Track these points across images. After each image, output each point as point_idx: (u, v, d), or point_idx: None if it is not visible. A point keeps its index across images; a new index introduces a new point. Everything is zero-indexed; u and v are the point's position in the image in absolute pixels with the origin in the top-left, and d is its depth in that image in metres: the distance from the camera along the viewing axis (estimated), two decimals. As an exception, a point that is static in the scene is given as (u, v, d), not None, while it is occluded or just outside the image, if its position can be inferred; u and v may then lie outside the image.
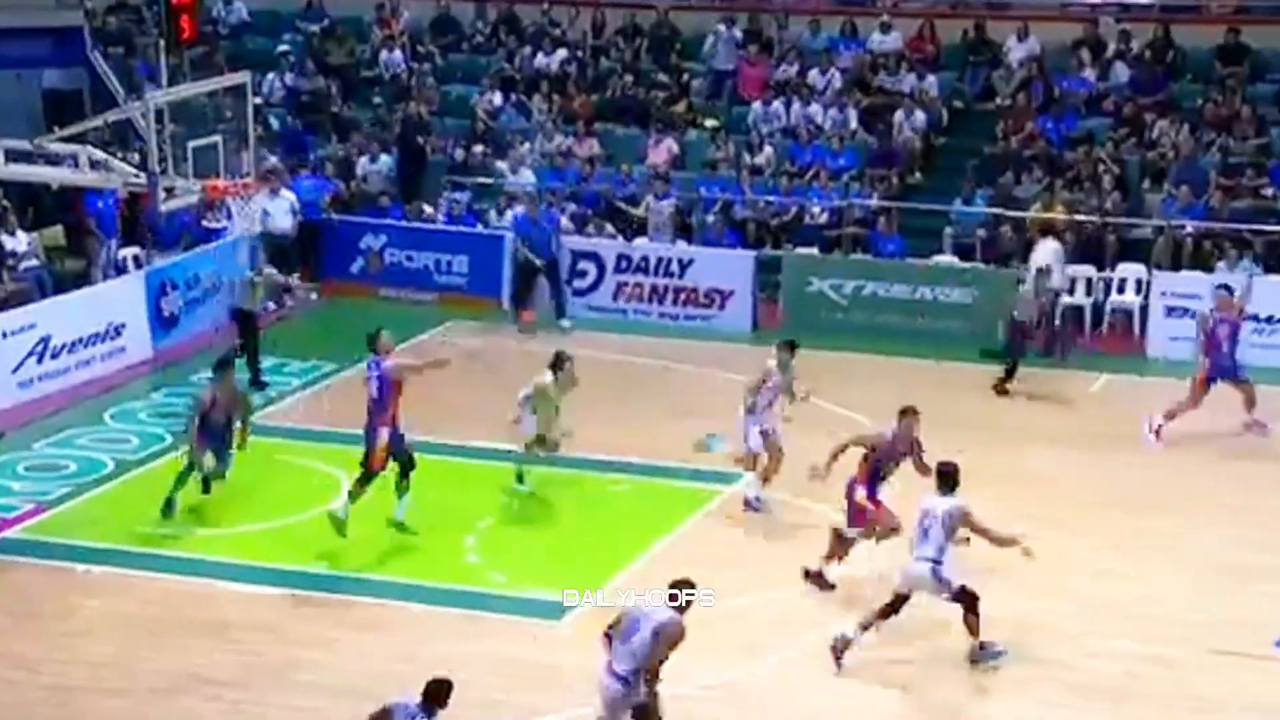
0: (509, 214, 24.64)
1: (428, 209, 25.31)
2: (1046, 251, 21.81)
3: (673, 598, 12.07)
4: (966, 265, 23.27)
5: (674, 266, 23.74)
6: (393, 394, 16.21)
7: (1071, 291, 22.88)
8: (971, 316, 22.44)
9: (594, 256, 24.12)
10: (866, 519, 15.42)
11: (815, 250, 24.12)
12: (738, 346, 22.37)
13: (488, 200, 25.45)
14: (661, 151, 25.79)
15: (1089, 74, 26.10)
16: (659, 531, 16.70)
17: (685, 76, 27.52)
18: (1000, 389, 20.74)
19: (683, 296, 23.69)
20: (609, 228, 24.74)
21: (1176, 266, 22.88)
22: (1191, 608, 15.13)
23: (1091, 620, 14.91)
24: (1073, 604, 15.16)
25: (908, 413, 15.69)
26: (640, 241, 24.34)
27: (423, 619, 14.98)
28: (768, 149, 25.78)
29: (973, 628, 13.89)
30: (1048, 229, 22.48)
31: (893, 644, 14.24)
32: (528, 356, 21.24)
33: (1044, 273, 21.27)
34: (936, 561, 13.75)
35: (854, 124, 26.02)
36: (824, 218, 24.55)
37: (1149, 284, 22.65)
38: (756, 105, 26.58)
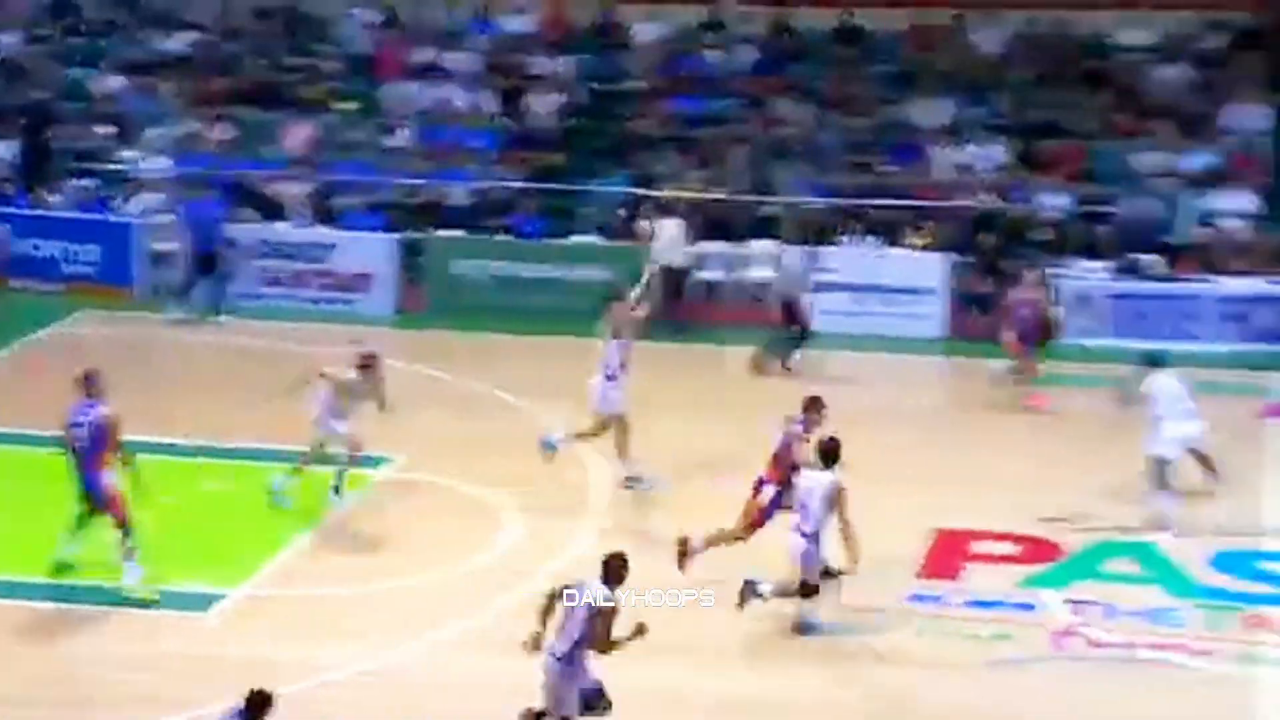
0: (137, 200, 23.83)
1: (51, 197, 24.31)
2: (668, 230, 22.07)
3: (605, 573, 11.70)
4: (607, 244, 23.40)
5: (315, 251, 23.29)
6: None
7: (707, 266, 23.35)
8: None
9: (232, 242, 23.50)
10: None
11: (458, 232, 23.96)
12: (381, 330, 22.11)
13: (117, 187, 24.57)
14: (299, 135, 25.26)
15: (715, 56, 26.58)
16: (309, 518, 16.35)
17: (320, 59, 27.02)
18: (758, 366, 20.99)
19: (325, 281, 23.24)
20: (247, 212, 24.16)
21: (805, 241, 23.48)
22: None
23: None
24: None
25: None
26: (280, 226, 23.80)
27: (70, 618, 14.35)
28: (406, 131, 25.53)
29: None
30: (668, 208, 22.80)
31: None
32: (178, 347, 20.75)
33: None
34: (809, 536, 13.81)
35: (491, 106, 25.96)
36: (465, 200, 24.43)
37: (780, 259, 23.15)
38: (394, 87, 26.27)
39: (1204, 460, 16.62)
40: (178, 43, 27.19)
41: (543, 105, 25.74)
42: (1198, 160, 23.96)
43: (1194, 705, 12.91)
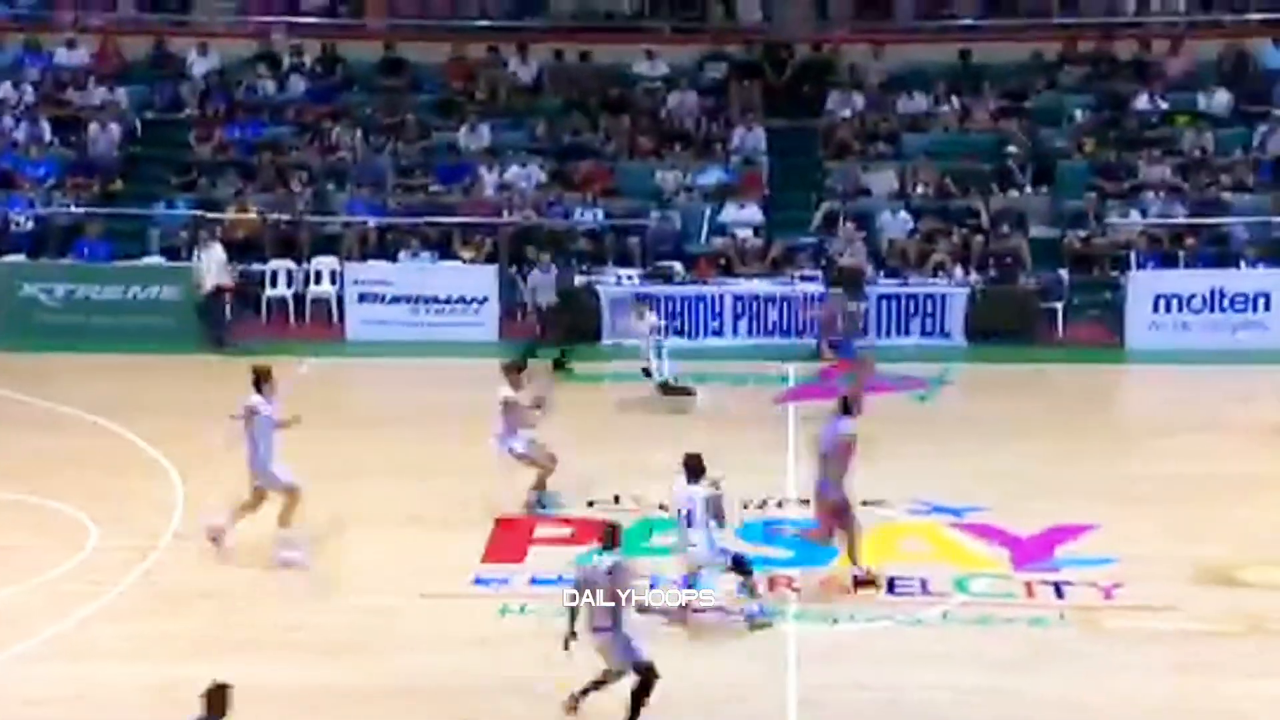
0: None
1: None
2: (215, 254, 21.80)
3: (603, 540, 12.40)
4: (174, 265, 22.71)
5: None
6: None
7: (274, 283, 23.00)
8: (180, 312, 22.01)
9: None
10: None
11: (23, 256, 22.87)
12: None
13: None
14: None
15: (269, 85, 26.18)
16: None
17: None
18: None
19: None
20: None
21: (365, 257, 23.42)
22: (396, 558, 15.42)
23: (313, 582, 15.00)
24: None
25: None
26: None
27: None
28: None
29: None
30: (212, 233, 22.42)
31: (140, 620, 13.79)
32: None
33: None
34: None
35: (48, 135, 24.86)
36: (30, 225, 23.30)
37: (342, 274, 23.00)
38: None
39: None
40: None
41: (102, 134, 24.78)
42: (710, 177, 24.98)
43: (733, 655, 13.45)
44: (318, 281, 23.27)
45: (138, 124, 25.60)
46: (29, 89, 25.65)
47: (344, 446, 18.23)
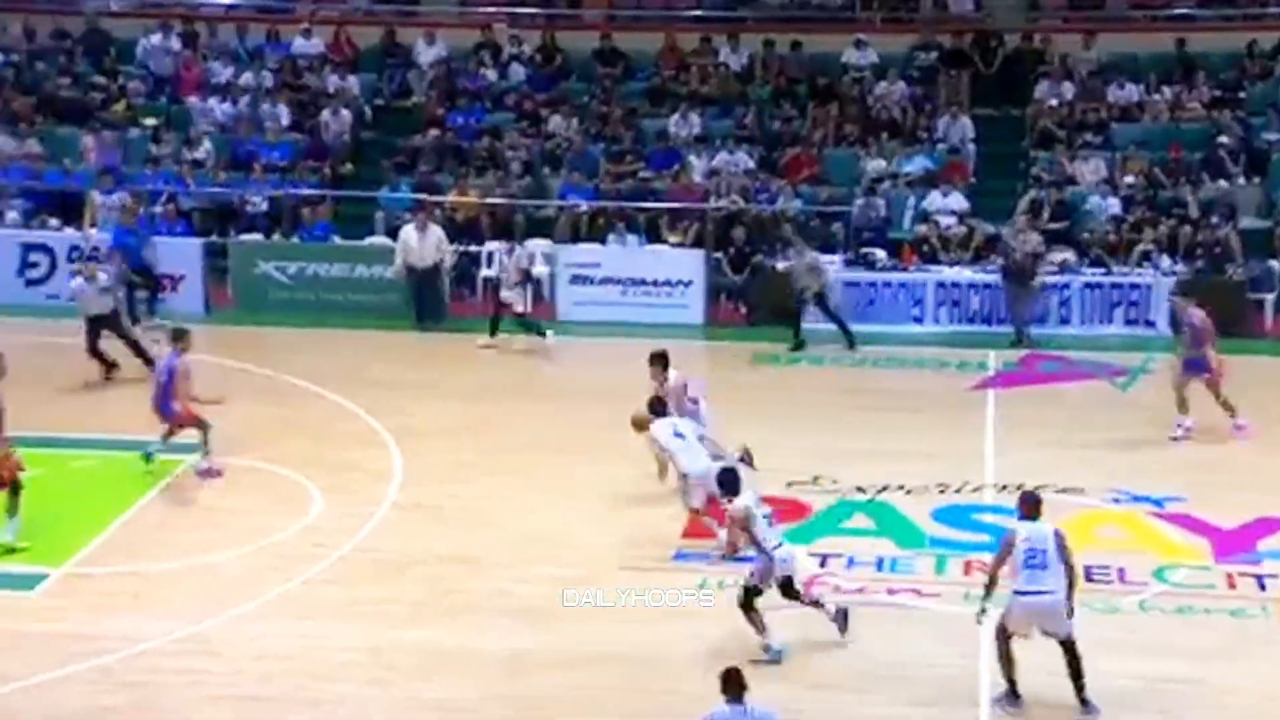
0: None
1: None
2: (435, 236, 22.11)
3: (722, 489, 13.25)
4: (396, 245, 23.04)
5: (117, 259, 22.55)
6: None
7: (490, 264, 23.24)
8: (401, 290, 22.33)
9: (46, 248, 22.69)
10: None
11: (259, 236, 23.49)
12: (191, 327, 21.56)
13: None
14: (105, 148, 24.50)
15: (490, 74, 26.47)
16: (127, 500, 15.87)
17: (121, 78, 26.22)
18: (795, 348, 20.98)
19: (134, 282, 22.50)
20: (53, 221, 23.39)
21: (576, 240, 23.57)
22: (599, 531, 15.53)
23: (522, 550, 15.15)
24: (506, 538, 15.32)
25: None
26: (93, 233, 22.99)
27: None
28: (207, 144, 24.92)
29: None
30: (442, 218, 22.72)
31: (359, 585, 14.11)
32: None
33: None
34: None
35: (285, 120, 25.50)
36: (264, 206, 23.95)
37: (554, 256, 23.13)
38: (194, 103, 25.67)
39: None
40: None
41: (334, 120, 25.35)
42: (915, 164, 24.58)
43: (926, 640, 13.24)
44: (531, 263, 23.46)
45: (367, 110, 26.10)
46: (268, 76, 26.33)
47: (552, 420, 18.45)
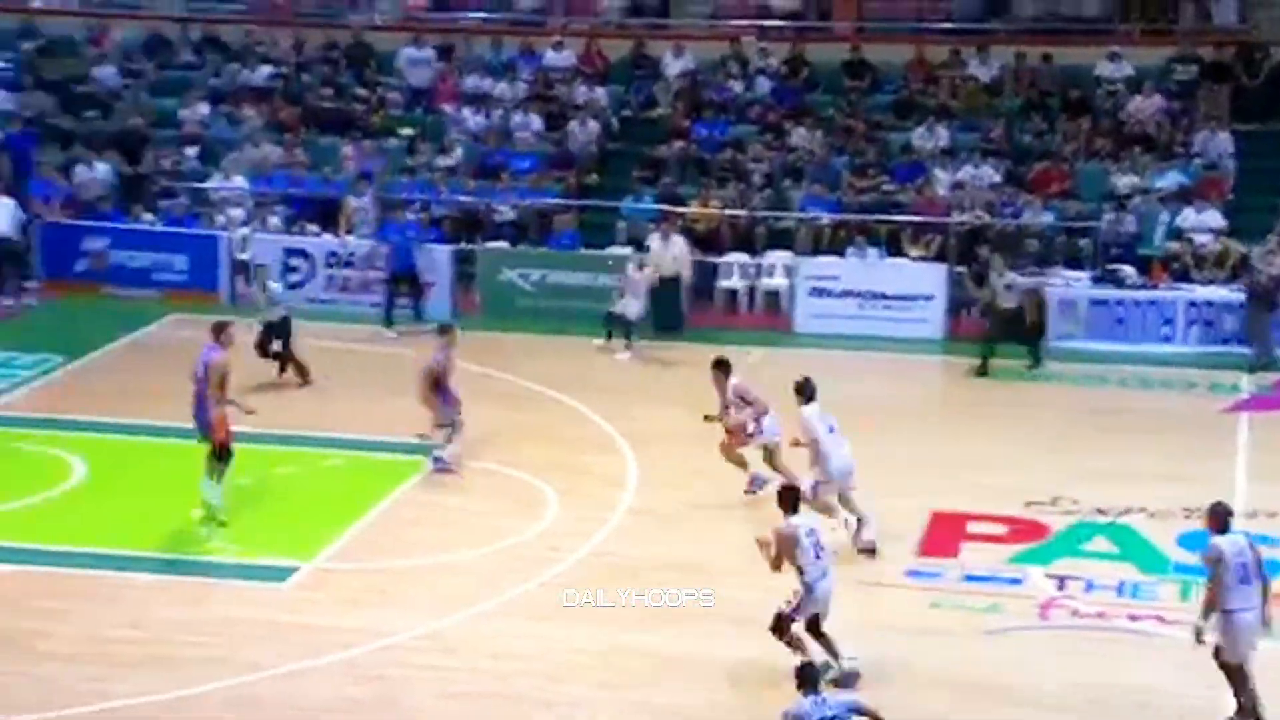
0: (222, 216, 23.94)
1: (145, 214, 24.47)
2: (678, 246, 22.25)
3: (780, 503, 12.87)
4: (638, 255, 23.19)
5: (378, 261, 23.33)
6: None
7: (729, 275, 23.37)
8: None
9: (305, 253, 23.59)
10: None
11: (505, 244, 24.00)
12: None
13: (205, 204, 24.70)
14: (364, 157, 25.34)
15: (736, 86, 26.57)
16: (372, 499, 16.41)
17: (381, 90, 27.09)
18: (981, 370, 20.72)
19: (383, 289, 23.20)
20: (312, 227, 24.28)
21: (816, 253, 23.50)
22: (831, 544, 15.37)
23: (751, 559, 15.16)
24: (733, 546, 15.32)
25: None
26: (349, 238, 23.81)
27: (152, 588, 14.45)
28: (458, 153, 25.59)
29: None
30: (683, 228, 22.82)
31: (594, 588, 14.33)
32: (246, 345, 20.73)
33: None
34: None
35: (534, 130, 26.02)
36: (511, 214, 24.46)
37: (794, 268, 23.11)
38: (449, 114, 26.37)
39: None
40: (257, 75, 27.27)
41: (581, 130, 25.78)
42: (1169, 180, 23.86)
43: (1169, 668, 12.86)
44: (770, 274, 23.49)
45: (614, 121, 26.45)
46: (522, 87, 26.88)
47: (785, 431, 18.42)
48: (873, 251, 23.13)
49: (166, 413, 17.36)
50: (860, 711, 10.61)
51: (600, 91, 26.65)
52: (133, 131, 25.76)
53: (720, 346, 21.64)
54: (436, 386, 16.84)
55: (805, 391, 15.24)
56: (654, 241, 22.48)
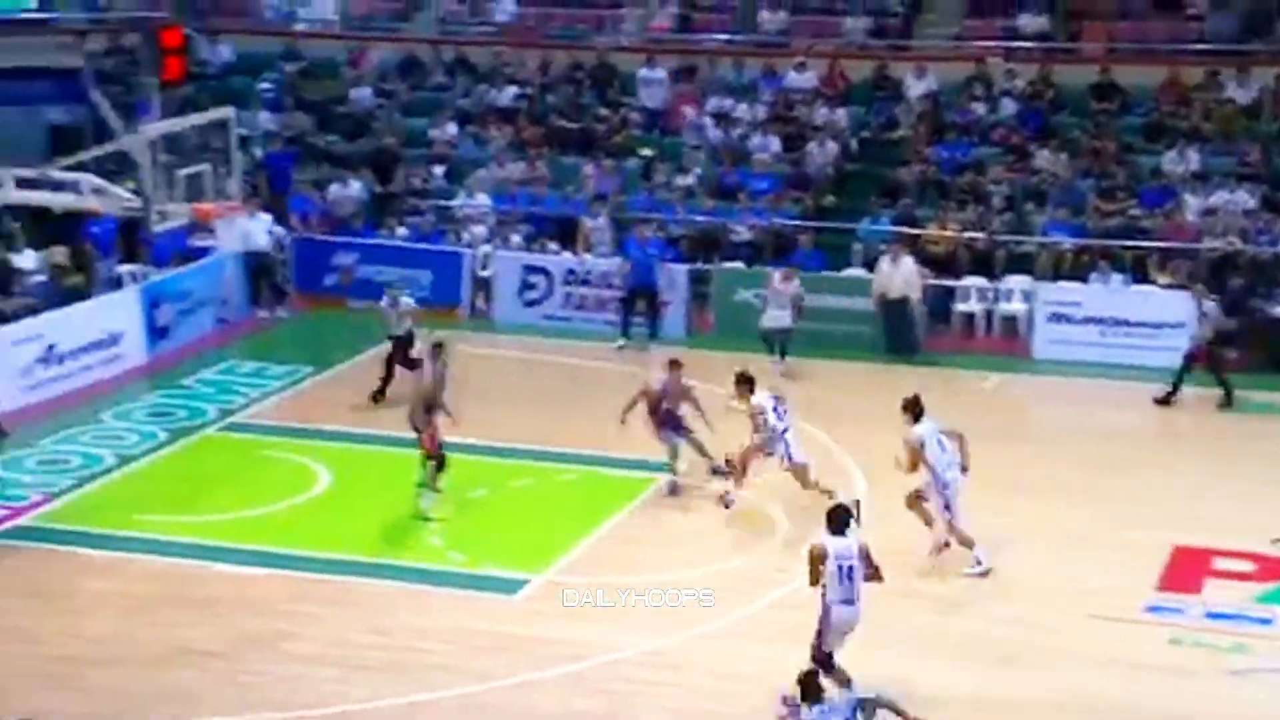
0: (467, 232, 24.55)
1: (396, 229, 25.25)
2: (907, 268, 21.99)
3: (829, 524, 12.75)
4: (871, 277, 23.02)
5: (614, 279, 23.64)
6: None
7: (966, 299, 23.07)
8: (877, 322, 22.39)
9: (544, 271, 24.03)
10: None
11: (741, 264, 24.08)
12: (674, 350, 22.43)
13: (449, 221, 25.38)
14: (604, 176, 25.73)
15: (979, 108, 26.23)
16: (603, 514, 16.65)
17: (623, 110, 27.46)
18: (1164, 400, 20.37)
19: (614, 306, 23.43)
20: (552, 245, 24.71)
21: (1057, 278, 23.04)
22: (1067, 576, 15.19)
23: (979, 590, 15.00)
24: (963, 578, 15.20)
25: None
26: (587, 256, 24.19)
27: (391, 595, 14.92)
28: (696, 172, 25.77)
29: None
30: (905, 248, 22.53)
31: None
32: (496, 360, 21.31)
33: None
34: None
35: (773, 151, 26.06)
36: (748, 234, 24.54)
37: (1033, 293, 22.69)
38: (688, 134, 26.56)
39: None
40: (504, 95, 27.90)
41: (820, 151, 25.75)
42: None
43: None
44: (1008, 299, 23.10)
45: (853, 142, 26.36)
46: (761, 109, 26.96)
47: (1024, 461, 18.13)
48: (1117, 278, 22.57)
49: (402, 424, 17.95)
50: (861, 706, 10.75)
51: (840, 113, 26.57)
52: (385, 150, 26.62)
53: (956, 371, 21.58)
54: (655, 410, 17.00)
55: (914, 410, 15.22)
56: (883, 263, 22.34)
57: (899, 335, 22.21)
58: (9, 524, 16.39)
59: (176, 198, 21.00)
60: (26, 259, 22.37)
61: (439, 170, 26.45)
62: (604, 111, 27.40)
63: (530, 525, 16.50)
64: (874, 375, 21.36)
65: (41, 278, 22.38)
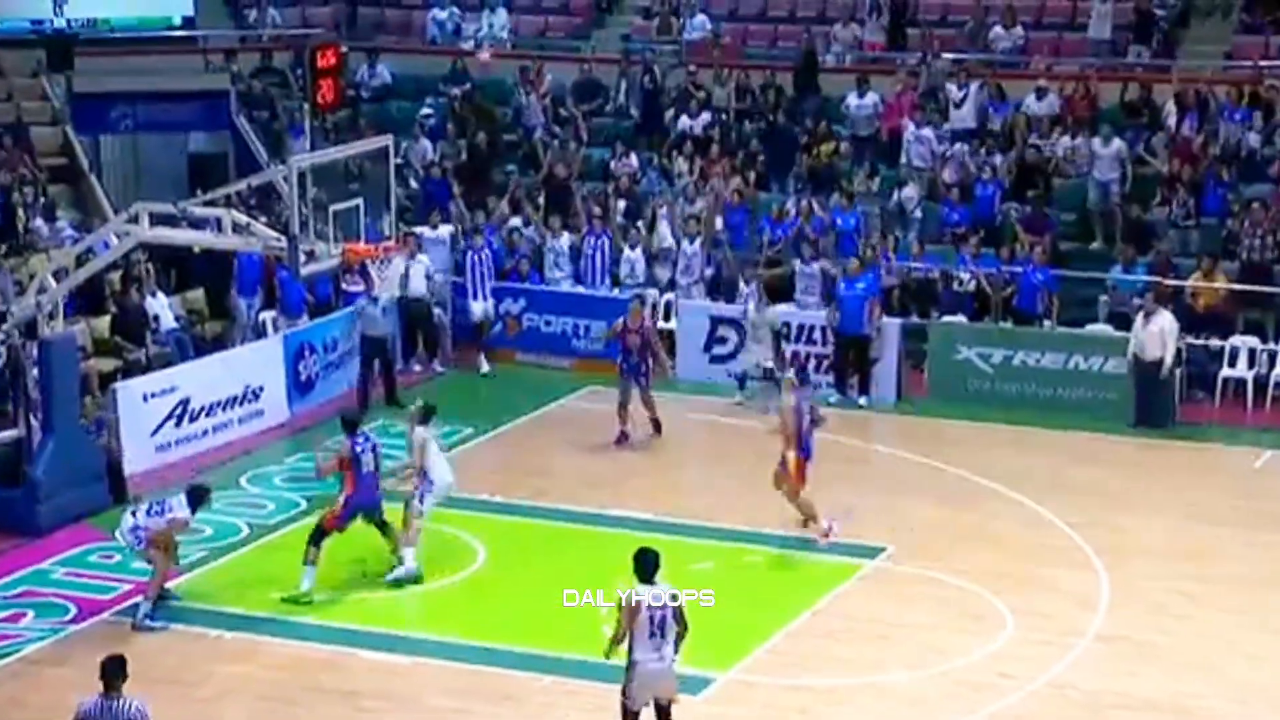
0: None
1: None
2: (1166, 322, 21.59)
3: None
4: (1121, 334, 22.57)
5: (816, 334, 23.56)
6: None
7: (1234, 362, 22.59)
8: (1123, 386, 22.02)
9: (734, 322, 24.00)
10: None
11: (963, 318, 23.88)
12: (881, 416, 22.42)
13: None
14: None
15: (1253, 139, 25.63)
16: (798, 605, 16.63)
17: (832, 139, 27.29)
18: None
19: (827, 363, 23.42)
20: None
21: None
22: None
23: (1245, 704, 14.65)
24: (1226, 687, 14.87)
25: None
26: (784, 307, 24.10)
27: (556, 691, 15.05)
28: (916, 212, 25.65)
29: None
30: (1160, 300, 22.05)
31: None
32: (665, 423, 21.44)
33: None
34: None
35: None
36: (971, 284, 24.20)
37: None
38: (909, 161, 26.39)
39: None
40: (696, 123, 27.96)
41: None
42: None
43: None
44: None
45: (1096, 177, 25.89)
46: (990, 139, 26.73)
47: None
48: None
49: (570, 495, 18.20)
50: None
51: (1082, 142, 26.19)
52: (555, 182, 26.83)
53: (1218, 447, 21.06)
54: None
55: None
56: (1137, 318, 21.94)
57: (1150, 402, 21.79)
58: (132, 600, 16.89)
59: (326, 235, 21.45)
60: (160, 304, 23.15)
61: (620, 205, 26.54)
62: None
63: (714, 615, 16.43)
64: (1119, 447, 20.97)
65: (175, 325, 23.14)
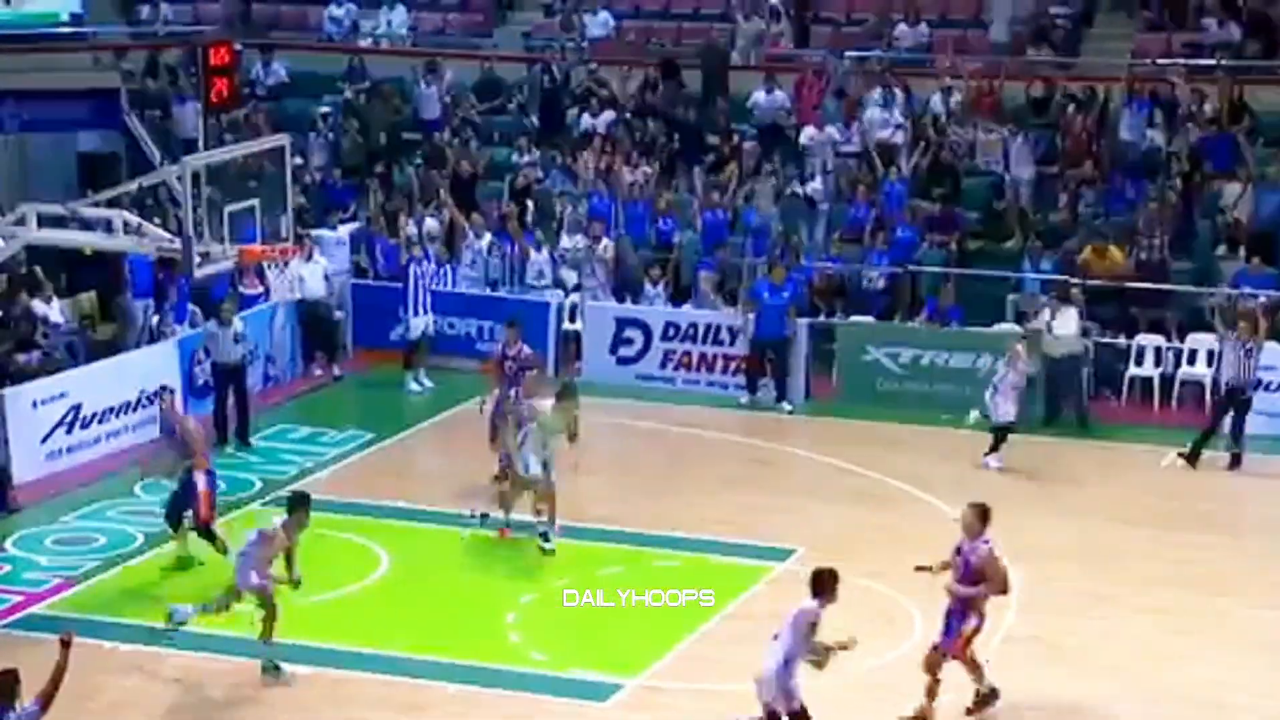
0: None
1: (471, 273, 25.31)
2: (1068, 319, 21.80)
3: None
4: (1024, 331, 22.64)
5: (722, 334, 23.64)
6: None
7: (1140, 361, 22.83)
8: (1033, 385, 22.10)
9: (640, 324, 24.06)
10: None
11: (871, 318, 23.98)
12: (786, 418, 22.46)
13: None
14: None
15: (1156, 136, 25.91)
16: (709, 608, 16.61)
17: (735, 138, 27.36)
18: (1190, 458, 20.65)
19: (732, 364, 23.52)
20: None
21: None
22: (1262, 693, 14.95)
23: (1156, 704, 14.79)
24: (1137, 688, 15.01)
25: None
26: (687, 308, 24.25)
27: (464, 700, 14.95)
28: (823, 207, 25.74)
29: None
30: (1065, 295, 22.24)
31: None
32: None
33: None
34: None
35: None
36: (882, 283, 24.36)
37: (1219, 355, 22.07)
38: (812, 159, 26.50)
39: None
40: (598, 121, 27.96)
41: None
42: None
43: None
44: (1191, 362, 22.80)
45: (1006, 176, 26.08)
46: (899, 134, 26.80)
47: (1207, 554, 18.09)
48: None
49: (478, 501, 18.10)
50: None
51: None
52: (464, 180, 26.72)
53: (1127, 446, 21.28)
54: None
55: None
56: (1043, 314, 22.02)
57: (1059, 401, 21.97)
58: (24, 612, 16.63)
59: (221, 237, 21.20)
60: (50, 308, 22.82)
61: (530, 206, 26.42)
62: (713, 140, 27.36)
63: (624, 620, 16.47)
64: (1030, 447, 21.10)
65: (66, 328, 22.81)
